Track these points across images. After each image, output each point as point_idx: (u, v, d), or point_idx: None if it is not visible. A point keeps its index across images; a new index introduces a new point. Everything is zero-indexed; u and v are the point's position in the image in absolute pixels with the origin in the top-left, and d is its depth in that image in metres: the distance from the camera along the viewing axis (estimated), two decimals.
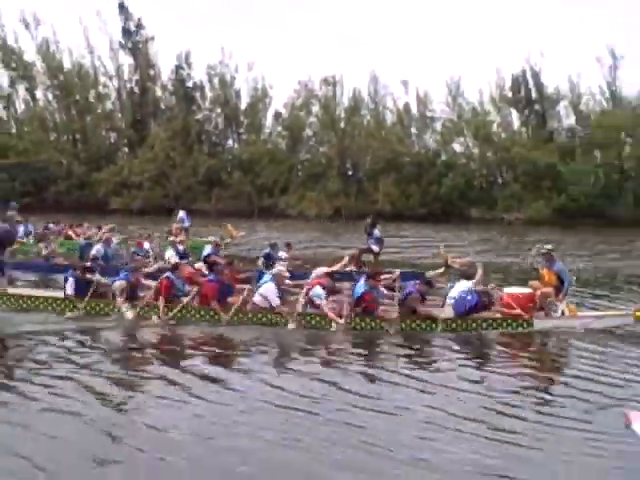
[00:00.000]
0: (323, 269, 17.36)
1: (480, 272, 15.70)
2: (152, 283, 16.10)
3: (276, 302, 15.22)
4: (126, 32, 73.29)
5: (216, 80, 72.33)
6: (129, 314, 15.31)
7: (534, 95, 65.60)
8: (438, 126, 68.13)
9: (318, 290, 15.30)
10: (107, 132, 75.35)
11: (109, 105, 75.21)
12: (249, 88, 72.03)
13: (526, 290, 15.62)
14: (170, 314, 15.30)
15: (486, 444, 8.31)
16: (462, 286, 15.48)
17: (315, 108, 70.79)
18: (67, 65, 73.56)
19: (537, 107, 65.57)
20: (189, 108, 71.94)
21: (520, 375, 11.53)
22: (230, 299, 15.71)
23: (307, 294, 15.30)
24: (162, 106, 74.32)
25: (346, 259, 19.17)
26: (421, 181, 63.35)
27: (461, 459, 7.86)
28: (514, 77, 65.56)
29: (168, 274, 16.08)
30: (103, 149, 72.31)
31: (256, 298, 15.44)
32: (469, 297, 15.01)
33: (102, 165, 69.22)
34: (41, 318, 15.13)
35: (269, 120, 72.82)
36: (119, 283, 15.84)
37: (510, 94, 65.98)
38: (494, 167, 64.79)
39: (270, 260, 20.60)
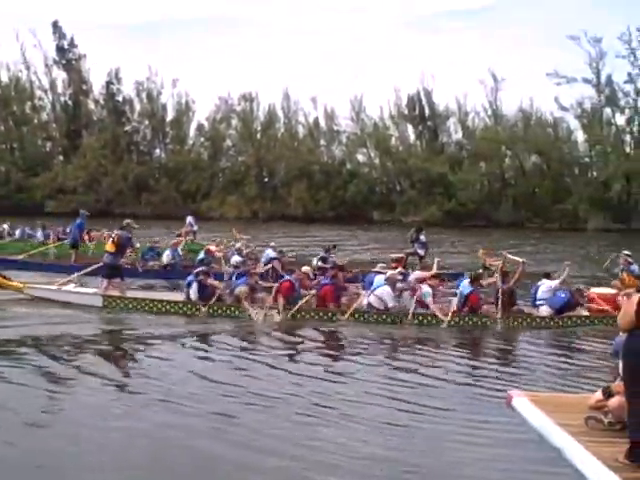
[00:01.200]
0: (418, 273, 16.48)
1: (566, 272, 15.54)
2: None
3: (391, 303, 14.83)
4: (60, 49, 71.74)
5: (144, 95, 71.49)
6: (258, 316, 14.63)
7: (427, 112, 67.07)
8: (344, 139, 69.04)
9: (427, 289, 15.00)
10: (43, 141, 73.70)
11: (44, 116, 73.53)
12: (174, 102, 71.63)
13: (611, 290, 15.56)
14: (289, 314, 14.69)
15: (370, 431, 7.92)
16: (546, 286, 15.32)
17: (234, 121, 70.77)
18: (5, 79, 71.86)
19: (430, 123, 67.01)
20: (119, 120, 70.83)
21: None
22: (344, 300, 15.35)
23: (414, 294, 14.91)
24: (94, 118, 72.84)
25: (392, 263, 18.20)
26: (329, 187, 64.06)
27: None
28: (410, 96, 66.91)
29: (289, 276, 15.64)
30: (39, 157, 70.50)
31: (371, 299, 14.95)
32: (562, 295, 14.92)
33: (39, 171, 67.40)
34: (168, 321, 14.31)
35: (192, 132, 72.61)
36: (244, 288, 15.17)
37: (406, 111, 67.27)
38: (393, 175, 65.96)
39: (325, 262, 19.85)
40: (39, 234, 28.10)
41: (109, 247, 16.40)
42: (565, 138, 63.65)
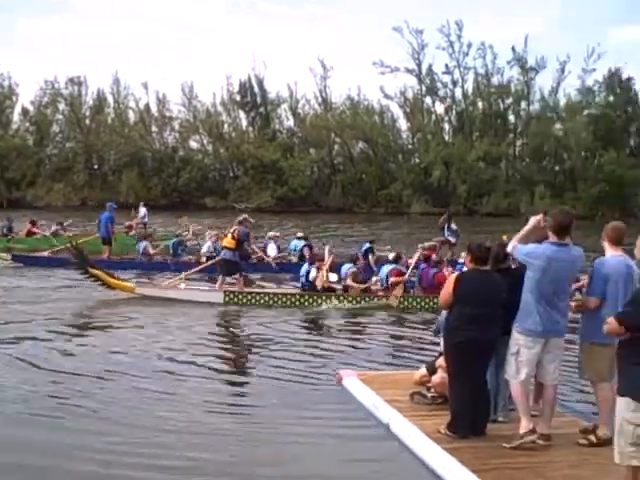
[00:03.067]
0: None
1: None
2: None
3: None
4: None
5: None
6: (394, 303, 14.89)
7: (259, 99, 67.09)
8: (176, 125, 67.76)
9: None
10: None
11: None
12: None
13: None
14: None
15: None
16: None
17: (61, 106, 67.64)
18: None
19: (262, 110, 67.07)
20: None
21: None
22: None
23: None
24: None
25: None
26: (162, 174, 62.65)
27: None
28: (241, 83, 66.63)
29: (397, 266, 15.67)
30: None
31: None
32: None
33: None
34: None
35: (16, 116, 68.70)
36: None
37: (238, 98, 67.02)
38: (226, 162, 65.58)
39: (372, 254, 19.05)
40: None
41: (228, 243, 15.80)
42: (390, 126, 65.94)
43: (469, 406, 6.54)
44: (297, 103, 67.20)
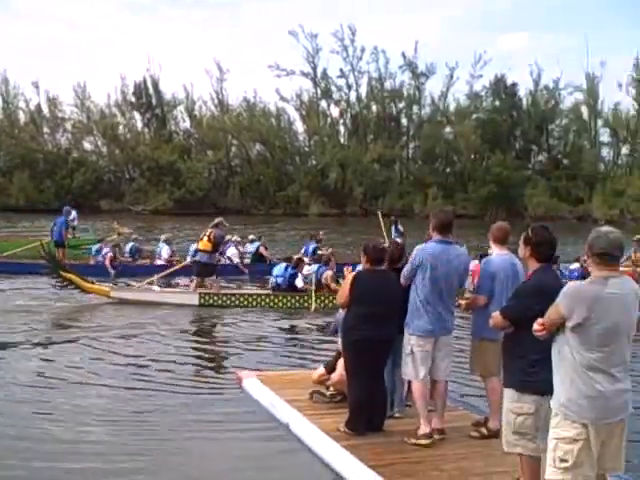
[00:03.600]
0: None
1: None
2: None
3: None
4: None
5: None
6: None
7: (154, 101, 65.85)
8: (69, 126, 65.65)
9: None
10: None
11: None
12: None
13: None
14: None
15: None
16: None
17: None
18: None
19: (157, 111, 65.90)
20: None
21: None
22: None
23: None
24: None
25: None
26: (54, 176, 60.38)
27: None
28: (137, 84, 65.22)
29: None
30: None
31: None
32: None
33: None
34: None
35: None
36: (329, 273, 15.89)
37: (134, 99, 65.60)
38: (122, 164, 64.00)
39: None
40: None
41: (204, 245, 15.48)
42: (287, 128, 66.18)
43: (367, 404, 6.65)
44: (193, 105, 66.47)
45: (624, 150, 65.61)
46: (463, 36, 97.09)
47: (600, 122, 65.65)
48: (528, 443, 4.90)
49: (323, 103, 66.46)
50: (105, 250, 19.82)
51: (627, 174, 62.20)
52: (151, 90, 65.62)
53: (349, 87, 65.64)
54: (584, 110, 65.89)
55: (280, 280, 15.64)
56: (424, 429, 6.35)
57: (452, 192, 60.61)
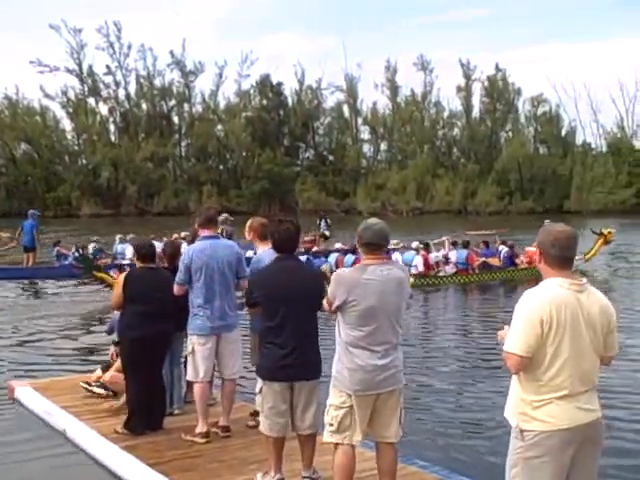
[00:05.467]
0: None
1: None
2: None
3: None
4: None
5: None
6: None
7: None
8: None
9: None
10: None
11: None
12: None
13: None
14: None
15: None
16: None
17: None
18: None
19: None
20: None
21: None
22: None
23: None
24: None
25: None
26: None
27: None
28: None
29: None
30: None
31: None
32: None
33: None
34: None
35: None
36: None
37: None
38: None
39: None
40: None
41: None
42: (53, 127, 63.03)
43: (145, 402, 6.53)
44: None
45: (383, 146, 69.87)
46: (231, 35, 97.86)
47: (360, 120, 69.35)
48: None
49: (91, 100, 64.06)
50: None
51: (387, 169, 66.28)
52: None
53: (117, 84, 63.84)
54: (345, 109, 69.26)
55: None
56: (202, 428, 6.33)
57: (226, 189, 61.12)
